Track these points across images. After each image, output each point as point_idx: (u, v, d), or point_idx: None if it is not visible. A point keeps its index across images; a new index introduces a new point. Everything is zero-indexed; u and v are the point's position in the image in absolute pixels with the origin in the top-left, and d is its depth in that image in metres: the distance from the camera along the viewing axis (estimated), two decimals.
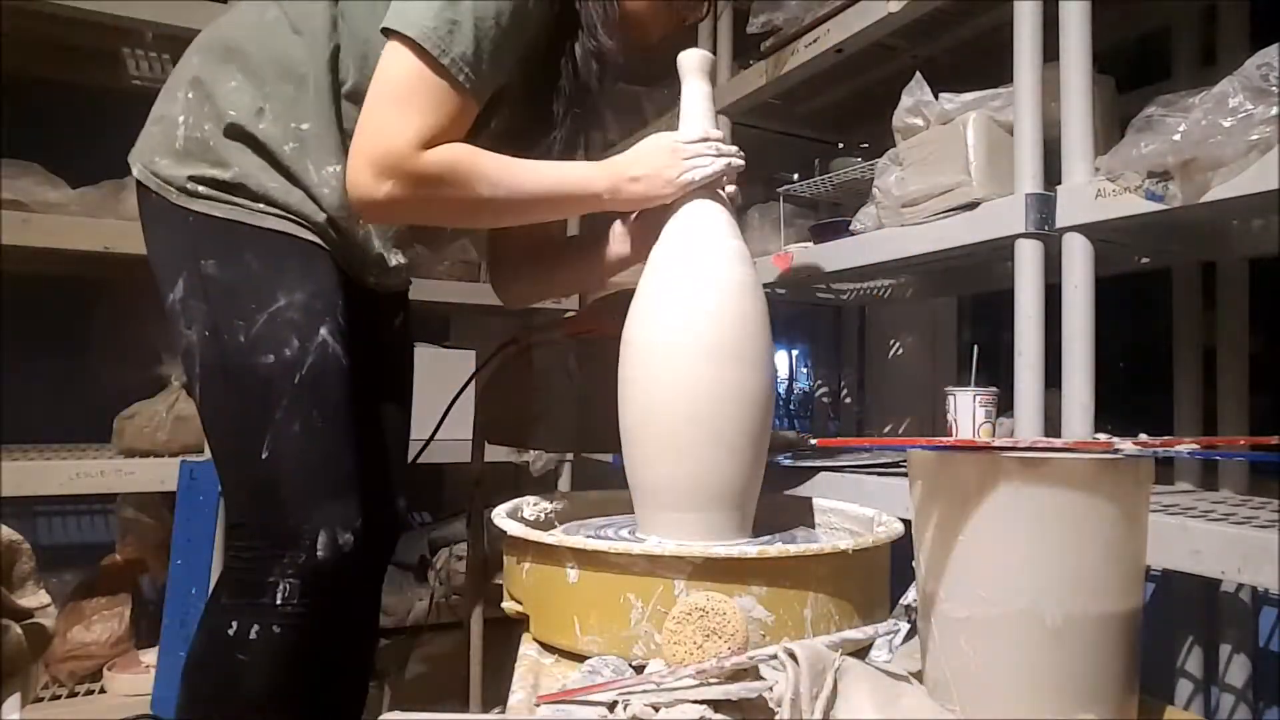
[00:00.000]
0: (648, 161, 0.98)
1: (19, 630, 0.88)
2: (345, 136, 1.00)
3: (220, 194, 0.98)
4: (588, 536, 0.85)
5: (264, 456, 0.93)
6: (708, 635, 0.68)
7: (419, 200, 0.93)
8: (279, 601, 0.92)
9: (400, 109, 0.90)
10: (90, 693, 1.69)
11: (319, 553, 0.93)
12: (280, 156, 0.99)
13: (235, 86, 0.99)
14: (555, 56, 1.06)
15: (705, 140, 0.98)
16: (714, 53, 1.53)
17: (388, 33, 0.91)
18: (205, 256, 0.97)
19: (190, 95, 1.01)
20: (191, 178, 0.98)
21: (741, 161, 1.01)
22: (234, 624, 0.93)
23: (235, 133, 0.98)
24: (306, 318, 0.96)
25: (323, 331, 0.97)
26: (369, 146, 0.91)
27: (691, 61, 0.96)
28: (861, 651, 0.79)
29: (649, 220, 1.03)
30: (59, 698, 1.67)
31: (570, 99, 1.09)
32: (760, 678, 0.67)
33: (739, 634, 0.68)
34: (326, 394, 0.97)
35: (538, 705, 0.68)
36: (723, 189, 1.01)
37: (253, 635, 0.92)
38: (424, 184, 0.92)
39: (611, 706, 0.67)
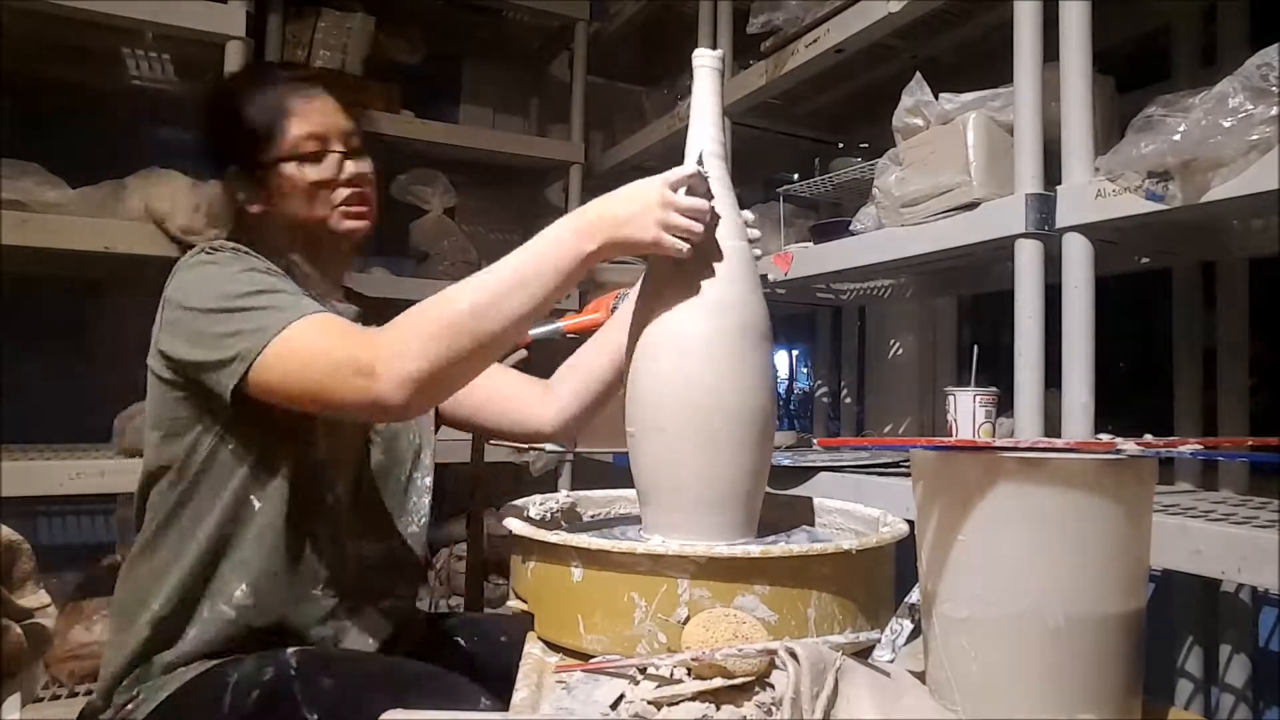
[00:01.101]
0: (625, 203, 0.88)
1: (19, 630, 0.88)
2: None
3: None
4: (592, 535, 0.85)
5: None
6: (733, 639, 0.68)
7: (419, 353, 0.83)
8: None
9: (301, 347, 0.86)
10: (90, 693, 1.69)
11: None
12: None
13: None
14: None
15: (692, 190, 0.88)
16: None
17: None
18: None
19: None
20: None
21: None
22: None
23: None
24: None
25: None
26: (341, 388, 0.84)
27: (703, 60, 0.96)
28: (865, 651, 0.79)
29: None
30: (59, 698, 1.67)
31: None
32: (767, 680, 0.67)
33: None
34: None
35: (556, 673, 0.70)
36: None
37: None
38: (404, 337, 0.84)
39: (615, 704, 0.67)
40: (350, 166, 1.06)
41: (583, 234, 0.87)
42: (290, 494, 0.97)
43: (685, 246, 0.86)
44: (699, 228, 0.87)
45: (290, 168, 1.03)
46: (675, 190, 0.87)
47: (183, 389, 0.95)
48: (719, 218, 0.91)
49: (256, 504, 0.97)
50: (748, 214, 0.97)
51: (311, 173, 1.03)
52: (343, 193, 1.05)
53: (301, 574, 0.99)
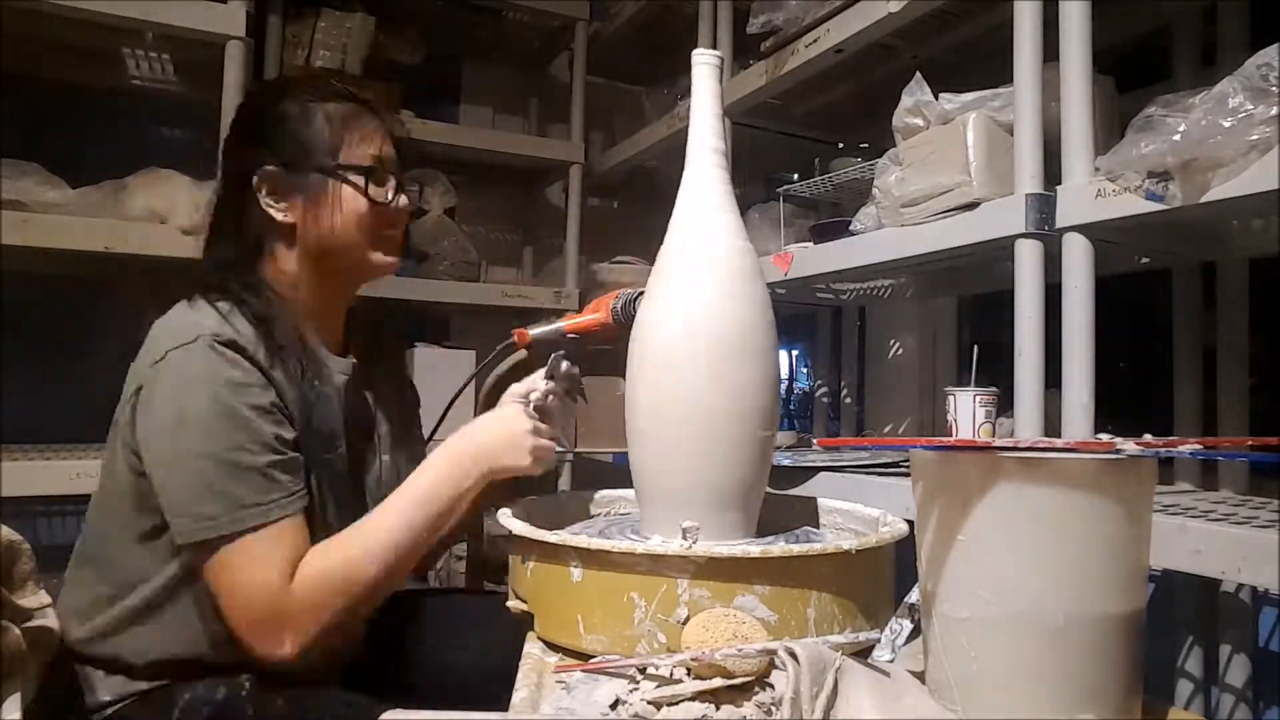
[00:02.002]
0: (499, 433, 0.98)
1: (18, 631, 0.88)
2: None
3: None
4: (592, 535, 0.85)
5: None
6: (733, 639, 0.68)
7: (325, 623, 0.86)
8: None
9: (236, 581, 0.86)
10: None
11: None
12: None
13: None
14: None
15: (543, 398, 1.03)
16: None
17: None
18: None
19: None
20: None
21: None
22: None
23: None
24: None
25: None
26: (243, 626, 0.86)
27: (703, 59, 0.96)
28: (865, 651, 0.79)
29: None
30: None
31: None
32: (767, 680, 0.67)
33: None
34: None
35: (556, 673, 0.71)
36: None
37: None
38: (316, 613, 0.86)
39: (614, 705, 0.67)
40: (401, 199, 1.03)
41: (460, 474, 0.95)
42: None
43: (552, 462, 1.01)
44: (555, 450, 1.02)
45: (350, 179, 0.98)
46: (538, 409, 1.01)
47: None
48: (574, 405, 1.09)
49: None
50: None
51: (372, 191, 0.99)
52: (386, 226, 1.02)
53: None
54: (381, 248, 1.02)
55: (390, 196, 1.01)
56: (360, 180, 0.98)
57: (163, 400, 0.88)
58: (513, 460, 0.96)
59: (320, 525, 0.93)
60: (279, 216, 0.98)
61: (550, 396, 1.05)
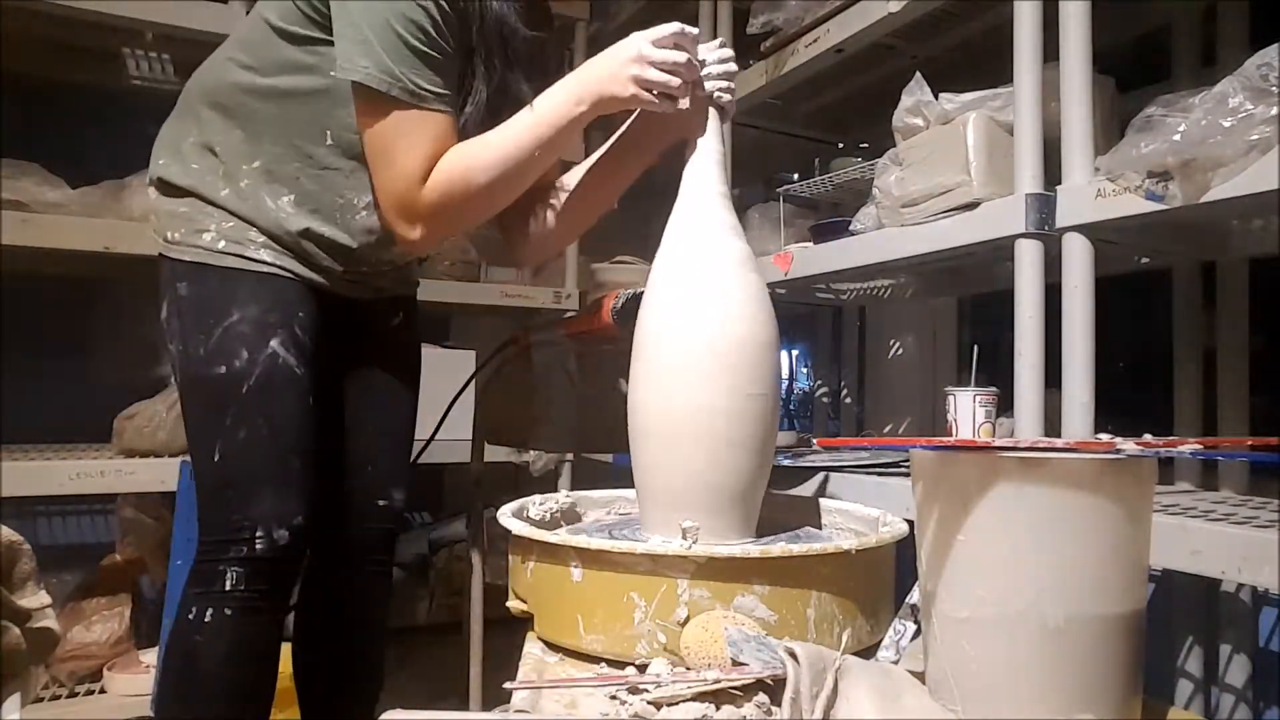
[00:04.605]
0: (607, 62, 0.98)
1: (18, 631, 0.88)
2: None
3: (189, 241, 1.07)
4: (592, 536, 0.85)
5: (215, 459, 1.03)
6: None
7: (446, 220, 1.01)
8: (228, 588, 1.01)
9: (387, 158, 0.98)
10: (90, 693, 1.69)
11: (257, 546, 1.01)
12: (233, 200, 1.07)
13: (190, 143, 1.08)
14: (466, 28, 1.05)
15: (677, 46, 0.96)
16: None
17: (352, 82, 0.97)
18: (179, 280, 1.07)
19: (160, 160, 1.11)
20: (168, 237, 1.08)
21: (728, 86, 1.04)
22: (193, 609, 1.02)
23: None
24: (257, 331, 1.04)
25: (273, 344, 1.04)
26: (384, 201, 1.01)
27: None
28: (869, 650, 0.79)
29: (649, 122, 1.10)
30: (59, 698, 1.67)
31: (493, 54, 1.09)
32: (764, 685, 0.67)
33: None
34: (274, 403, 1.05)
35: (504, 686, 0.71)
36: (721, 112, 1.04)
37: (207, 618, 1.01)
38: (439, 208, 0.99)
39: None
40: None
41: (572, 98, 0.99)
42: None
43: (659, 103, 0.96)
44: (675, 81, 0.95)
45: None
46: (658, 47, 0.95)
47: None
48: (700, 68, 0.98)
49: None
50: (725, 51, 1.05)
51: None
52: None
53: None
54: None
55: None
56: None
57: None
58: (614, 88, 0.97)
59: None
60: None
61: (676, 45, 0.96)
